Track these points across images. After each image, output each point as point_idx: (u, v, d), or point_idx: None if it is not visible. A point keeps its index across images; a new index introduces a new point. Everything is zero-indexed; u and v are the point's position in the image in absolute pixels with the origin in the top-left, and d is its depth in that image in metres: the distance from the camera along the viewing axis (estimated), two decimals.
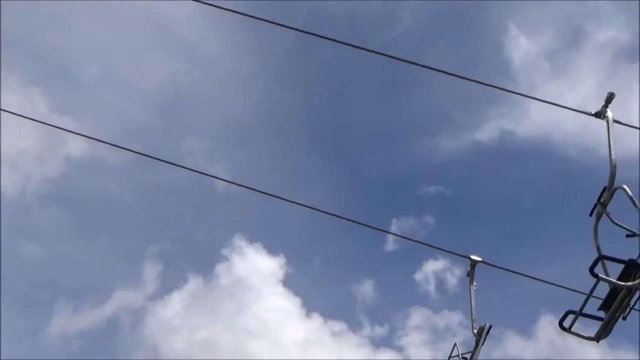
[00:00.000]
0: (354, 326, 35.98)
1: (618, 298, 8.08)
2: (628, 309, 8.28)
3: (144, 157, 9.81)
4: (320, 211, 9.81)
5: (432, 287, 35.79)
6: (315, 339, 33.08)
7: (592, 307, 8.61)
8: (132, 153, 9.80)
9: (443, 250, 9.80)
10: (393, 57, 8.80)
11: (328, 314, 34.74)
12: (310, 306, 34.20)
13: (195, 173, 10.36)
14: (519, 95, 9.21)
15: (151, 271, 34.30)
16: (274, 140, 37.25)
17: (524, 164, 37.69)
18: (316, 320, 34.27)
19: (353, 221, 9.87)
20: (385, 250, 35.46)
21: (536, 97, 9.03)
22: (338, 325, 34.15)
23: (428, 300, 37.29)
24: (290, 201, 9.77)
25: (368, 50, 8.74)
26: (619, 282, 7.97)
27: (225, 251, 34.49)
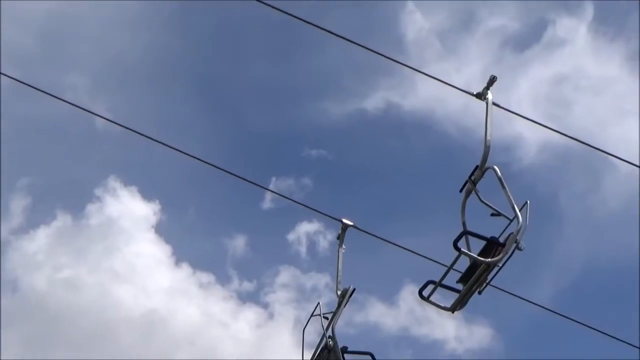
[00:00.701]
0: (223, 279, 36.00)
1: (476, 273, 8.44)
2: (484, 284, 8.67)
3: (22, 85, 9.37)
4: (199, 160, 9.70)
5: (303, 248, 36.21)
6: (182, 289, 32.91)
7: (452, 279, 8.97)
8: (8, 79, 9.34)
9: (316, 211, 9.93)
10: (290, 15, 8.75)
11: (197, 265, 34.58)
12: (180, 255, 33.94)
13: (75, 109, 9.97)
14: (408, 69, 9.37)
15: (18, 204, 33.03)
16: (159, 85, 36.41)
17: (406, 137, 38.50)
18: (185, 270, 34.06)
19: (232, 174, 9.82)
20: (262, 207, 35.55)
21: (424, 72, 9.21)
22: (206, 277, 34.09)
23: (298, 260, 37.78)
24: (171, 147, 9.61)
25: (266, 4, 8.65)
26: (479, 257, 8.31)
27: (98, 191, 33.54)
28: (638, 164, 9.42)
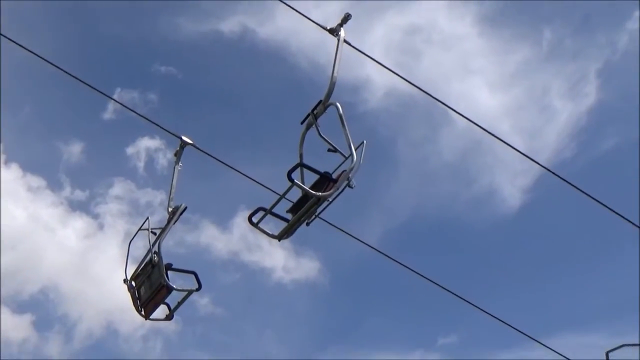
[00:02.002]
0: (54, 185, 34.82)
1: (306, 205, 8.63)
2: (313, 216, 8.89)
3: None
4: (40, 57, 9.22)
5: (141, 164, 35.58)
6: (10, 190, 31.58)
7: (284, 209, 9.14)
8: None
9: (157, 125, 9.73)
10: None
11: (28, 167, 33.22)
12: (10, 155, 32.46)
13: None
14: None
15: None
16: None
17: (258, 65, 38.34)
18: (14, 171, 32.66)
19: (75, 77, 9.43)
20: (103, 117, 34.51)
21: (282, 1, 9.13)
22: (36, 181, 32.87)
23: (134, 175, 37.10)
24: (9, 39, 9.07)
25: None
26: (310, 190, 8.49)
27: None
28: (475, 121, 9.80)
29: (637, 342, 14.90)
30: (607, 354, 14.93)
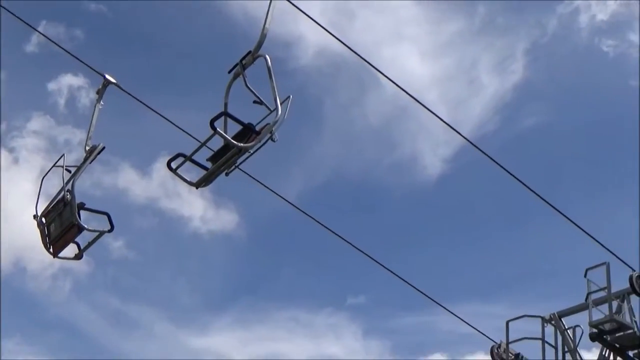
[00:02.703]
0: None
1: (227, 154, 8.58)
2: (233, 167, 8.86)
3: None
4: None
5: (62, 100, 34.77)
6: None
7: (204, 157, 9.07)
8: None
9: (80, 61, 9.47)
10: None
11: None
12: None
13: None
14: None
15: None
16: None
17: (193, 11, 37.70)
18: None
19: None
20: (25, 49, 33.46)
21: None
22: None
23: (55, 111, 36.23)
24: None
25: None
26: (232, 140, 8.44)
27: None
28: (404, 88, 9.84)
29: (538, 314, 15.49)
30: (507, 323, 15.49)
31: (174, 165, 8.83)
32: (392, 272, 14.25)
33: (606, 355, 14.60)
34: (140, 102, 9.84)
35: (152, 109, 9.93)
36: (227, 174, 8.89)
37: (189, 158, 8.72)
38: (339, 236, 13.43)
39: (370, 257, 13.91)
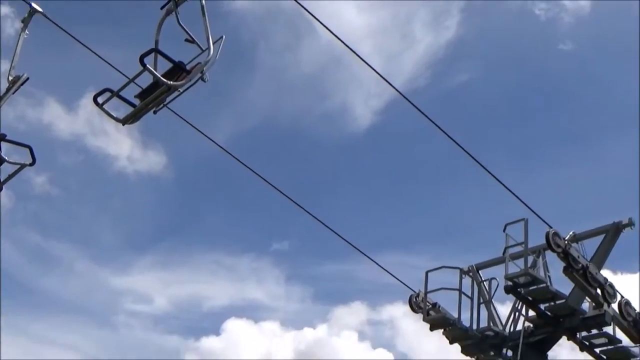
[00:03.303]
0: None
1: (156, 92, 8.45)
2: (161, 105, 8.73)
3: None
4: None
5: None
6: None
7: (133, 94, 8.90)
8: None
9: None
10: None
11: None
12: None
13: None
14: None
15: None
16: None
17: None
18: None
19: None
20: None
21: None
22: None
23: None
24: None
25: None
26: (161, 77, 8.30)
27: None
28: (339, 37, 9.80)
29: (456, 266, 15.87)
30: (426, 273, 15.84)
31: (100, 100, 8.66)
32: (317, 219, 14.38)
33: (519, 307, 15.10)
34: (68, 34, 9.58)
35: (81, 42, 9.70)
36: (155, 112, 8.77)
37: (116, 94, 8.56)
38: (266, 181, 13.46)
39: (296, 203, 13.99)
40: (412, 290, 15.96)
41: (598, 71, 48.32)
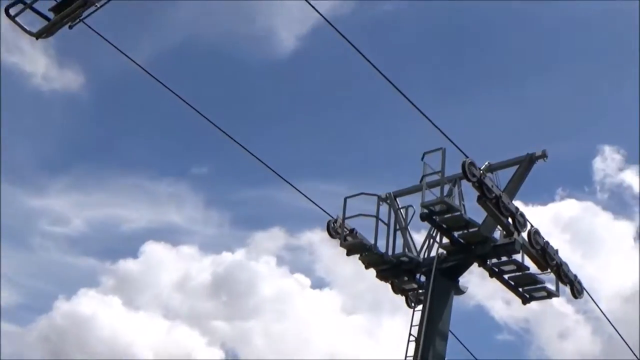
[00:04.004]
0: None
1: (72, 6, 8.16)
2: (78, 20, 8.43)
3: None
4: None
5: None
6: None
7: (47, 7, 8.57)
8: None
9: None
10: None
11: None
12: None
13: None
14: None
15: None
16: None
17: None
18: None
19: None
20: None
21: None
22: None
23: None
24: None
25: None
26: None
27: None
28: None
29: (374, 193, 16.08)
30: (345, 199, 16.02)
31: (13, 12, 8.31)
32: (237, 142, 14.32)
33: (433, 234, 15.47)
34: None
35: None
36: (70, 27, 8.47)
37: (29, 6, 8.24)
38: (186, 102, 13.27)
39: (217, 126, 13.88)
40: (331, 216, 16.14)
41: (529, 13, 49.02)
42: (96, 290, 53.21)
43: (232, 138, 14.41)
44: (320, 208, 15.94)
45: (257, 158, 14.82)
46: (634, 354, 16.82)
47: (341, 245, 15.90)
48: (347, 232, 16.03)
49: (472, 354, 16.42)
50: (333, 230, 16.17)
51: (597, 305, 16.58)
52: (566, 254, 15.39)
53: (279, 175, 14.79)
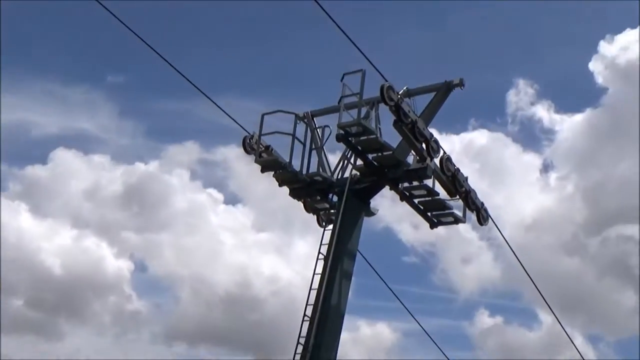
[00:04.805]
0: None
1: None
2: None
3: None
4: None
5: None
6: None
7: None
8: None
9: None
10: None
11: None
12: None
13: None
14: None
15: None
16: None
17: None
18: None
19: None
20: None
21: None
22: None
23: None
24: None
25: None
26: None
27: None
28: None
29: (292, 111, 16.04)
30: (262, 116, 15.94)
31: None
32: (156, 52, 13.99)
33: (348, 156, 15.58)
34: None
35: None
36: None
37: None
38: (107, 9, 12.83)
39: (135, 34, 13.50)
40: (247, 132, 16.07)
41: None
42: (3, 195, 51.94)
43: (151, 48, 14.11)
44: (237, 123, 15.84)
45: (176, 70, 14.56)
46: (532, 280, 17.58)
47: (256, 161, 15.88)
48: (263, 148, 16.00)
49: (378, 275, 16.84)
50: (249, 146, 16.11)
51: (500, 232, 17.14)
52: (474, 182, 15.79)
53: (197, 88, 14.60)
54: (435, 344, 17.63)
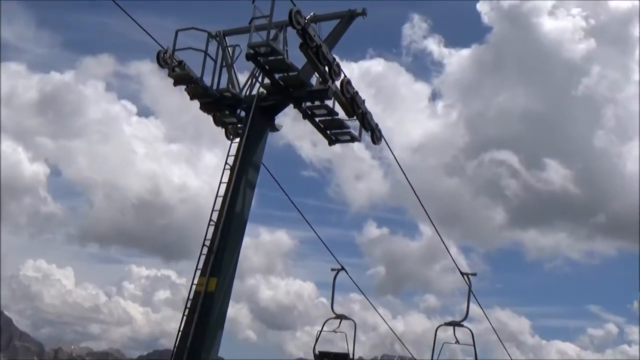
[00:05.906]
0: None
1: None
2: None
3: None
4: None
5: None
6: None
7: None
8: None
9: None
10: None
11: None
12: None
13: None
14: None
15: None
16: None
17: None
18: None
19: None
20: None
21: None
22: None
23: None
24: None
25: None
26: None
27: None
28: None
29: (205, 29, 16.84)
30: (176, 32, 16.68)
31: None
32: None
33: (256, 74, 16.66)
34: None
35: None
36: None
37: None
38: None
39: None
40: (162, 46, 16.77)
41: None
42: None
43: None
44: (152, 38, 16.49)
45: None
46: (417, 195, 19.02)
47: (169, 75, 16.70)
48: (176, 63, 16.80)
49: (280, 186, 17.99)
50: (163, 60, 16.83)
51: (391, 151, 18.33)
52: (370, 107, 17.08)
53: (115, 2, 15.06)
54: (329, 250, 19.12)
